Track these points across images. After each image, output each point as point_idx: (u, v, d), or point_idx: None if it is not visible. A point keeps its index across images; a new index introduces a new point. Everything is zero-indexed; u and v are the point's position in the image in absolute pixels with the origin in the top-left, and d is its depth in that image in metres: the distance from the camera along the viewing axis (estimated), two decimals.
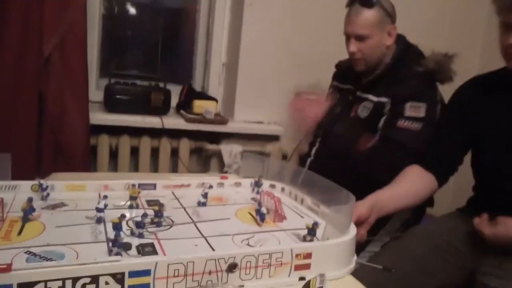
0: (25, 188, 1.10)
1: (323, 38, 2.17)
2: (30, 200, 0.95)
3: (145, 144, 2.00)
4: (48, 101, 1.67)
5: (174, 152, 2.08)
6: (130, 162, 1.99)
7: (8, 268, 0.65)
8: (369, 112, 1.53)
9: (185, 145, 2.07)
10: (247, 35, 2.13)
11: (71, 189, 1.15)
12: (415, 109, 1.44)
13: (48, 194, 1.09)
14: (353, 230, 0.99)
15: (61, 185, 1.15)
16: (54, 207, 1.04)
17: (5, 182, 1.09)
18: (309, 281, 0.81)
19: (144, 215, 0.97)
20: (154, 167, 2.05)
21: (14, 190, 1.09)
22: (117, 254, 0.81)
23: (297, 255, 0.88)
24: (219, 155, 2.13)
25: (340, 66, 1.77)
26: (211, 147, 2.12)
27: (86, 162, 1.80)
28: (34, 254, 0.78)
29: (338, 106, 1.68)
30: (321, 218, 1.09)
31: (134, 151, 2.00)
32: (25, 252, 0.78)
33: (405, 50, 1.57)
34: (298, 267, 0.88)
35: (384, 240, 1.43)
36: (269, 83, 2.21)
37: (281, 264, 0.86)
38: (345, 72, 1.72)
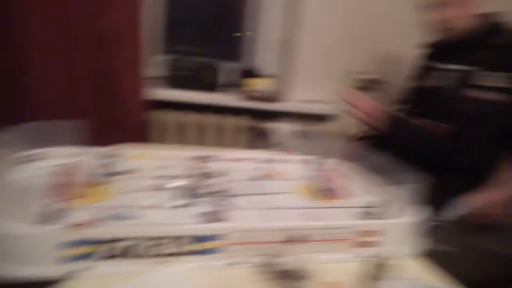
0: (92, 155, 1.14)
1: (386, 13, 2.07)
2: (100, 165, 0.99)
3: (198, 120, 2.02)
4: (105, 74, 1.73)
5: (227, 129, 2.09)
6: (185, 138, 2.03)
7: (91, 224, 0.68)
8: (452, 82, 1.44)
9: (237, 123, 2.08)
10: (305, 10, 2.08)
11: (134, 158, 1.19)
12: (500, 79, 1.35)
13: (113, 162, 1.13)
14: (419, 211, 0.96)
15: (124, 154, 1.18)
16: (120, 174, 1.07)
17: (74, 148, 1.14)
18: (374, 258, 0.79)
19: (206, 185, 0.99)
20: (206, 143, 2.08)
21: (82, 156, 1.14)
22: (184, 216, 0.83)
23: (363, 232, 0.86)
24: (269, 133, 2.12)
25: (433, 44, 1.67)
26: (263, 125, 2.12)
27: (143, 137, 1.85)
28: (107, 215, 0.81)
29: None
30: (386, 197, 1.05)
31: (188, 127, 2.04)
32: (98, 213, 0.82)
33: (491, 18, 1.47)
34: (363, 244, 0.87)
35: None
36: (326, 61, 2.15)
37: (346, 239, 0.85)
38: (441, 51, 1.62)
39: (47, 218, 0.70)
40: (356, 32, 2.13)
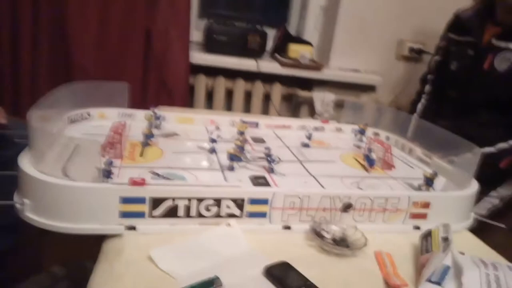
0: (139, 116, 1.16)
1: None
2: (150, 125, 1.00)
3: (239, 86, 2.00)
4: (154, 37, 1.73)
5: (266, 97, 2.07)
6: (224, 104, 2.03)
7: (142, 182, 0.69)
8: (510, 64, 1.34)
9: (277, 90, 2.05)
10: None
11: (181, 121, 1.20)
12: None
13: (160, 123, 1.14)
14: (474, 184, 0.92)
15: (172, 117, 1.19)
16: (167, 135, 1.08)
17: (123, 109, 1.15)
18: (430, 230, 0.77)
19: (254, 150, 0.98)
20: (246, 110, 2.07)
21: (130, 117, 1.16)
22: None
23: (414, 203, 0.83)
24: (310, 102, 2.08)
25: (459, 16, 1.57)
26: (303, 93, 2.08)
27: (186, 100, 1.86)
28: (158, 174, 0.82)
29: (452, 62, 1.51)
30: (437, 168, 1.02)
31: (228, 93, 2.03)
32: (150, 172, 0.83)
33: None
34: (413, 216, 0.84)
35: (493, 202, 1.32)
36: (369, 29, 2.07)
37: (397, 210, 0.83)
38: (466, 23, 1.52)
39: (105, 175, 0.71)
40: (400, 2, 2.03)
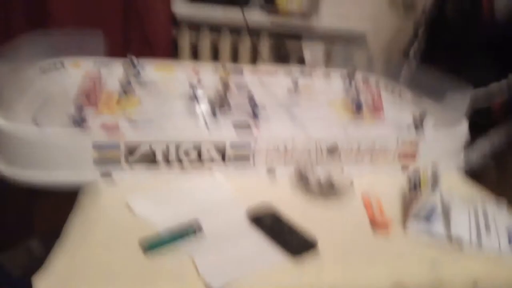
0: (117, 66, 1.10)
1: None
2: (126, 74, 0.95)
3: (225, 40, 1.92)
4: None
5: (254, 50, 1.99)
6: (210, 58, 1.96)
7: (116, 127, 0.65)
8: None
9: (265, 42, 1.97)
10: None
11: (160, 69, 1.14)
12: None
13: (139, 73, 1.08)
14: (464, 124, 0.89)
15: (151, 66, 1.13)
16: (146, 84, 1.03)
17: (99, 58, 1.09)
18: (418, 169, 0.75)
19: (238, 97, 0.94)
20: (233, 60, 1.99)
21: (106, 67, 1.10)
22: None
23: (403, 144, 0.81)
24: (300, 55, 2.01)
25: None
26: (292, 45, 2.00)
27: (169, 55, 1.79)
28: (136, 122, 0.78)
29: (448, 5, 1.44)
30: (427, 111, 0.98)
31: (214, 48, 1.95)
32: (127, 120, 0.79)
33: None
34: (402, 157, 0.82)
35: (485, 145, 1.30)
36: None
37: (385, 151, 0.80)
38: None
39: (77, 122, 0.67)
40: None
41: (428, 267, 0.56)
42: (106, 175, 0.67)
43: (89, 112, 0.78)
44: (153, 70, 1.13)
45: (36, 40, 0.91)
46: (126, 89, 0.93)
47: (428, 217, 0.65)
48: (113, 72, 1.05)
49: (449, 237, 0.62)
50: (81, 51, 1.06)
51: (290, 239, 0.56)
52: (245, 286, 0.49)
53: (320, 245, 0.56)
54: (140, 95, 0.93)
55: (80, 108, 0.67)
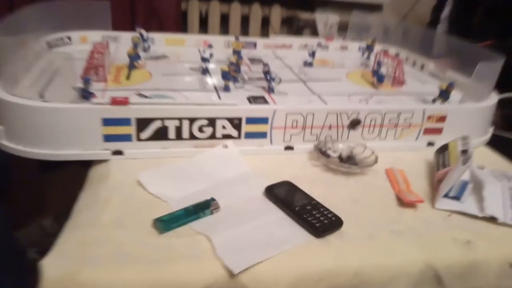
0: (126, 39, 1.05)
1: None
2: (135, 46, 0.90)
3: (235, 10, 1.86)
4: None
5: (265, 21, 1.93)
6: (220, 31, 1.90)
7: (125, 101, 0.62)
8: None
9: (276, 13, 1.90)
10: None
11: (171, 43, 1.09)
12: None
13: (149, 46, 1.04)
14: (493, 97, 0.84)
15: (161, 39, 1.09)
16: (156, 58, 0.99)
17: (107, 32, 1.05)
18: (447, 144, 0.70)
19: (253, 70, 0.89)
20: (243, 33, 1.93)
21: (115, 40, 1.05)
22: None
23: (429, 117, 0.76)
24: (313, 25, 1.94)
25: None
26: (305, 15, 1.93)
27: (178, 27, 1.73)
28: (145, 96, 0.74)
29: None
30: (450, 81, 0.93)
31: (223, 18, 1.89)
32: (137, 94, 0.75)
33: None
34: (428, 131, 0.77)
35: None
36: None
37: (410, 125, 0.76)
38: None
39: (85, 96, 0.63)
40: None
41: (460, 248, 0.52)
42: (117, 152, 0.64)
43: (97, 87, 0.74)
44: (164, 43, 1.09)
45: (41, 11, 0.87)
46: (135, 63, 0.88)
47: (458, 195, 0.61)
48: (123, 46, 1.01)
49: (483, 216, 0.58)
50: (88, 22, 1.02)
51: (313, 218, 0.52)
52: (266, 270, 0.46)
53: (346, 224, 0.53)
54: (150, 70, 0.89)
55: (87, 82, 0.63)
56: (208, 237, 0.49)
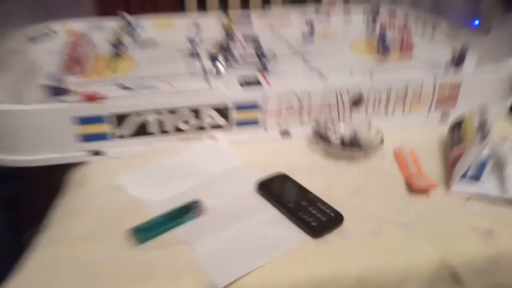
0: (112, 26, 0.99)
1: None
2: (117, 34, 0.84)
3: None
4: None
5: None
6: (218, 5, 1.81)
7: (96, 97, 0.56)
8: None
9: None
10: None
11: (161, 27, 1.03)
12: None
13: (137, 32, 0.97)
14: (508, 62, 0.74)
15: (150, 24, 1.02)
16: (145, 45, 0.93)
17: (91, 21, 0.99)
18: (462, 116, 0.62)
19: (246, 49, 0.82)
20: (244, 8, 1.83)
21: (101, 30, 0.99)
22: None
23: (441, 87, 0.68)
24: None
25: None
26: None
27: (174, 6, 1.65)
28: (126, 87, 0.69)
29: None
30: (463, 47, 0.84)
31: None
32: (117, 85, 0.69)
33: None
34: (440, 104, 0.69)
35: None
36: None
37: (420, 98, 0.68)
38: None
39: (52, 93, 0.58)
40: None
41: (480, 240, 0.45)
42: (96, 152, 0.59)
43: (77, 81, 0.69)
44: (152, 26, 1.02)
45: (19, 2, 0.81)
46: (119, 52, 0.82)
47: (477, 175, 0.54)
48: (108, 33, 0.95)
49: (506, 200, 0.51)
50: (70, 11, 0.96)
51: (309, 216, 0.47)
52: (256, 280, 0.40)
53: (347, 219, 0.47)
54: (136, 58, 0.83)
55: (58, 79, 0.58)
56: (192, 245, 0.44)
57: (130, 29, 0.96)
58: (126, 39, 0.93)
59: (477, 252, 0.44)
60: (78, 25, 0.97)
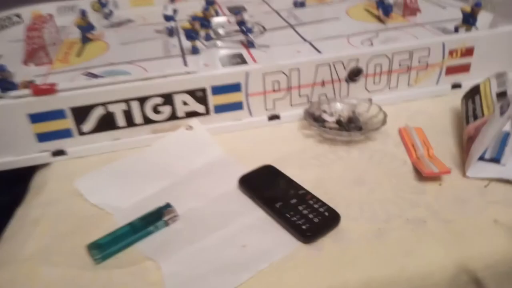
0: (87, 7, 0.90)
1: None
2: (83, 13, 0.76)
3: None
4: None
5: None
6: None
7: (50, 89, 0.49)
8: None
9: None
10: None
11: (137, 3, 0.94)
12: None
13: (111, 12, 0.89)
14: None
15: (125, 1, 0.93)
16: (119, 24, 0.84)
17: (63, 2, 0.90)
18: (477, 85, 0.54)
19: (230, 22, 0.74)
20: None
21: (71, 11, 0.91)
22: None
23: (450, 52, 0.59)
24: None
25: None
26: None
27: None
28: (94, 75, 0.61)
29: None
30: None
31: None
32: (83, 74, 0.62)
33: None
34: (451, 70, 0.60)
35: None
36: None
37: (427, 66, 0.59)
38: None
39: (5, 88, 0.51)
40: None
41: (506, 236, 0.38)
42: (58, 152, 0.52)
43: (39, 72, 0.62)
44: (129, 5, 0.93)
45: None
46: (89, 35, 0.74)
47: (497, 157, 0.45)
48: (79, 15, 0.86)
49: None
50: None
51: (300, 217, 0.39)
52: None
53: (345, 218, 0.39)
54: (108, 40, 0.75)
55: (3, 71, 0.50)
56: (159, 262, 0.37)
57: (103, 9, 0.88)
58: (98, 19, 0.85)
59: (502, 251, 0.37)
60: (47, 7, 0.89)
